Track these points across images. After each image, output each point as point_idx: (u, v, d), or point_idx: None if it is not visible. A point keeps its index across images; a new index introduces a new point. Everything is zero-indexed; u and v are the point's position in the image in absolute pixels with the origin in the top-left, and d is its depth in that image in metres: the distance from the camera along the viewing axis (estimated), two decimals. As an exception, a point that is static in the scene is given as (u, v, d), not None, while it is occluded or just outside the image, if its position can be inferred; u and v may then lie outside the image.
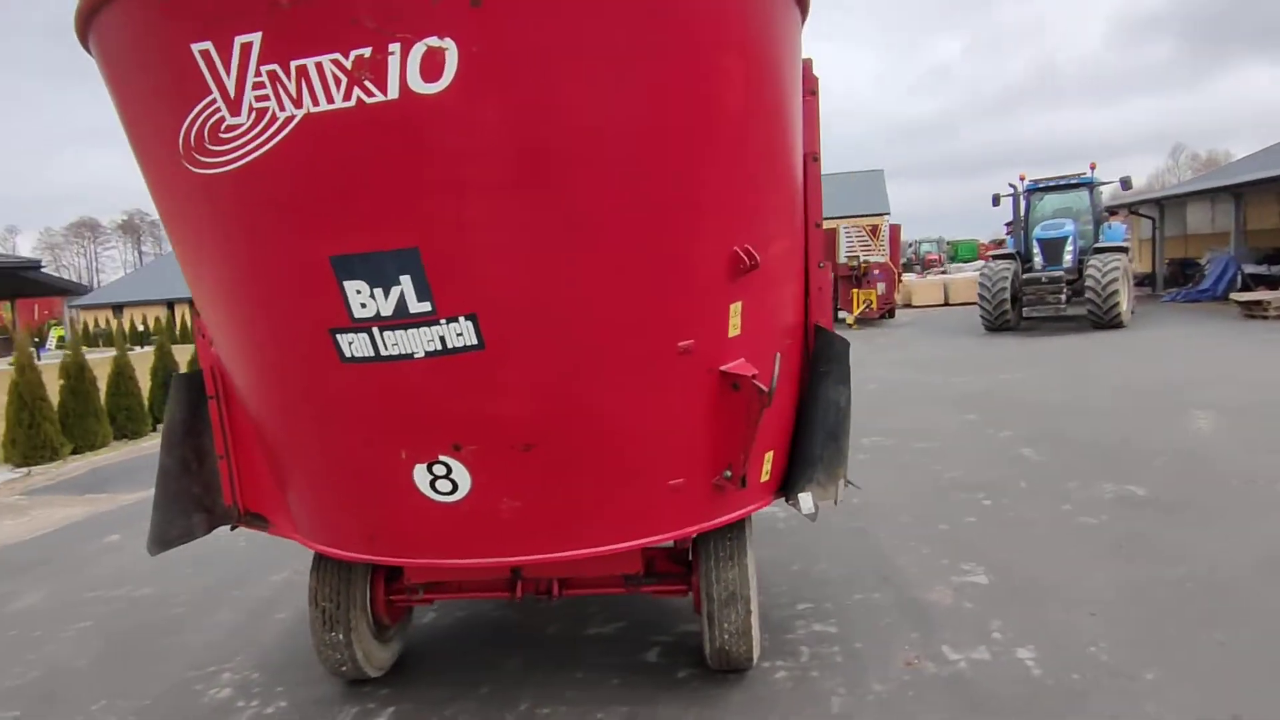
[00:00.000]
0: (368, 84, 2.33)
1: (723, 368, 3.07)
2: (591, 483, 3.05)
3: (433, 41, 2.30)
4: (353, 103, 2.35)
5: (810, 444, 3.62)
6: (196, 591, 5.42)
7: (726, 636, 3.58)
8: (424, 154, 2.44)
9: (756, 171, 3.04)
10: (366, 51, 2.31)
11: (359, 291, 2.63)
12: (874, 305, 21.82)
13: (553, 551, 3.14)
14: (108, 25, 2.66)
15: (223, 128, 2.50)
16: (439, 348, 2.69)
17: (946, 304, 28.29)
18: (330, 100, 2.36)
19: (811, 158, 3.61)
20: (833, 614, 4.40)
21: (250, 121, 2.45)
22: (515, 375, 2.80)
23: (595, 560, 3.36)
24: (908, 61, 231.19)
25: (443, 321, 2.65)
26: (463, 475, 2.94)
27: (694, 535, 3.44)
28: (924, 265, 45.99)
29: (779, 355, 3.24)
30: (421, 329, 2.67)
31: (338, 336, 2.73)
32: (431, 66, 2.32)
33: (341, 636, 3.71)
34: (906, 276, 33.46)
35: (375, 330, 2.69)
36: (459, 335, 2.67)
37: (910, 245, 50.04)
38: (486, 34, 2.34)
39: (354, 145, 2.43)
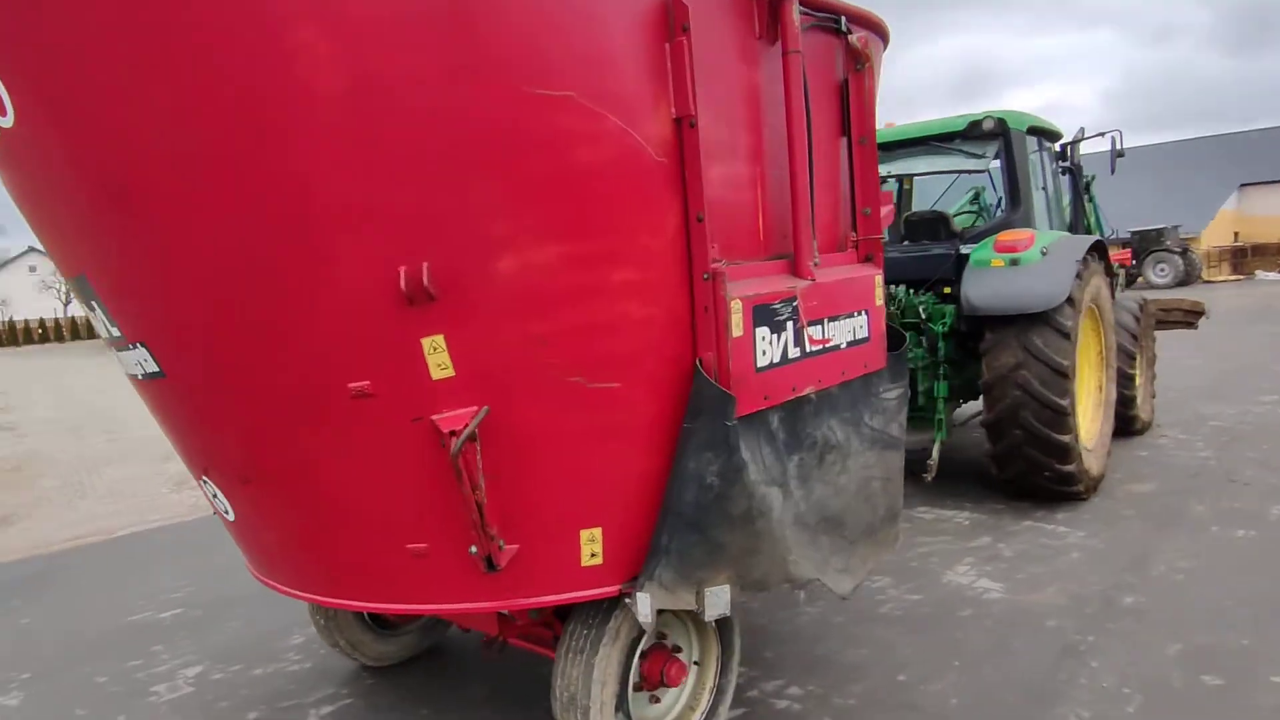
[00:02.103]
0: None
1: (434, 417, 2.41)
2: (317, 530, 2.70)
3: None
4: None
5: (657, 529, 2.60)
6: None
7: (561, 752, 2.83)
8: (35, 187, 2.44)
9: (447, 162, 2.24)
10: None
11: (94, 312, 2.75)
12: None
13: (326, 595, 2.88)
14: None
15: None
16: (142, 372, 2.68)
17: None
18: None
19: (688, 123, 2.51)
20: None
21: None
22: (201, 405, 2.62)
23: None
24: None
25: (130, 347, 2.63)
26: (223, 498, 2.89)
27: (491, 613, 2.78)
28: None
29: (485, 408, 2.38)
30: (126, 352, 2.68)
31: (117, 354, 2.90)
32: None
33: (323, 620, 3.94)
34: None
35: (115, 351, 2.79)
36: (144, 361, 2.62)
37: None
38: (32, 70, 2.20)
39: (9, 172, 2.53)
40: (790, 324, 2.83)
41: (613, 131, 2.39)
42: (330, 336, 2.34)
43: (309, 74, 2.09)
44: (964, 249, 6.28)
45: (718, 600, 2.61)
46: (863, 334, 3.23)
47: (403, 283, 2.22)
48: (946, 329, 6.23)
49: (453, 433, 2.33)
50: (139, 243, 2.34)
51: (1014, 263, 5.81)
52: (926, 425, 6.44)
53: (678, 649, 3.13)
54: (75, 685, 4.19)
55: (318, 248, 2.24)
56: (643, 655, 2.98)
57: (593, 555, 2.66)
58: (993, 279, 5.81)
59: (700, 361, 2.60)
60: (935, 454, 6.08)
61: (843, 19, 3.22)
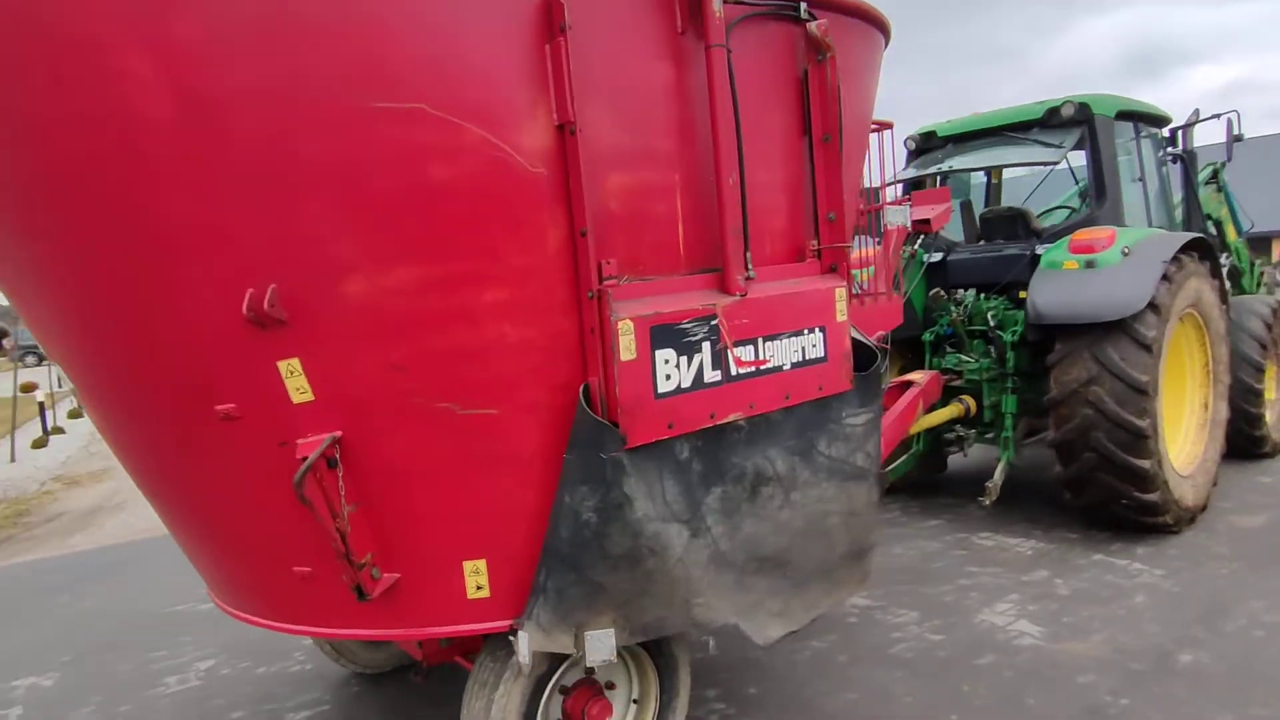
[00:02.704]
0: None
1: (300, 441, 2.34)
2: (213, 547, 2.71)
3: None
4: None
5: (538, 566, 2.43)
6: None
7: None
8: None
9: (284, 184, 2.15)
10: None
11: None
12: None
13: (234, 609, 2.89)
14: None
15: None
16: (66, 388, 2.77)
17: None
18: None
19: (569, 130, 2.32)
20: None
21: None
22: (100, 424, 2.68)
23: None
24: None
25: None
26: (156, 510, 2.95)
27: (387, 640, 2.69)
28: None
29: (331, 435, 2.27)
30: (53, 369, 2.78)
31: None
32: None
33: (311, 625, 4.00)
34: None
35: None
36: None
37: None
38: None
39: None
40: (707, 345, 2.59)
41: (475, 144, 2.23)
42: (192, 359, 2.31)
43: (137, 97, 2.05)
44: (1040, 249, 5.67)
45: (599, 645, 2.42)
46: (816, 353, 2.92)
47: (245, 307, 2.16)
48: (1017, 337, 5.65)
49: (303, 459, 2.26)
50: (13, 268, 2.40)
51: (1089, 265, 5.19)
52: (994, 443, 5.89)
53: (610, 685, 2.95)
54: (100, 671, 4.46)
55: (169, 271, 2.21)
56: (566, 691, 2.82)
57: (479, 588, 2.52)
58: (1064, 283, 5.21)
59: (586, 387, 2.40)
60: (998, 476, 5.54)
61: (802, 5, 2.92)
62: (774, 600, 2.78)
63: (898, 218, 4.87)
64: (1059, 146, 5.58)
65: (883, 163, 4.66)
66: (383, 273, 2.23)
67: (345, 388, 2.30)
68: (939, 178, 6.20)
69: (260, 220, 2.15)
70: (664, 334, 2.47)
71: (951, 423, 5.92)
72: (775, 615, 2.77)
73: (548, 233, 2.37)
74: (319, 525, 2.38)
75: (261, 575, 2.64)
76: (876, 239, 4.86)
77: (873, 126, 4.64)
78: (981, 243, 6.43)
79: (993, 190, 7.30)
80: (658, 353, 2.46)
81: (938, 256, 6.35)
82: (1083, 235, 5.34)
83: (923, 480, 6.73)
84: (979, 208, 6.94)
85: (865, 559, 3.11)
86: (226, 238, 2.17)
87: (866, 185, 4.67)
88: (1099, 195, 5.72)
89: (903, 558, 5.33)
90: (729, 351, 2.65)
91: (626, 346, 2.39)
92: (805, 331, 2.88)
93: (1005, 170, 7.16)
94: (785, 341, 2.82)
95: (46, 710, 4.06)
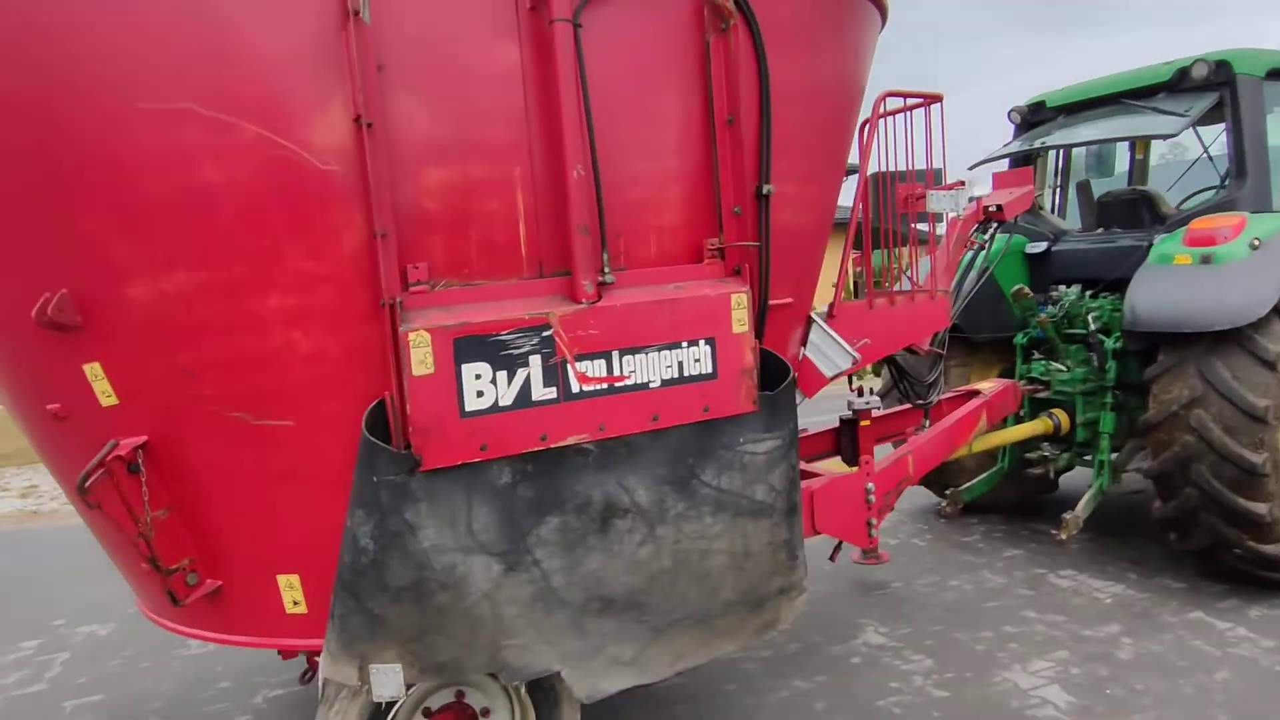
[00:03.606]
0: None
1: (120, 443, 2.35)
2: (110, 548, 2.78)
3: None
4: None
5: (333, 590, 2.28)
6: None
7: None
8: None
9: (60, 190, 2.11)
10: None
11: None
12: None
13: (141, 606, 2.98)
14: None
15: None
16: None
17: None
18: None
19: (364, 125, 2.14)
20: None
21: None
22: None
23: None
24: None
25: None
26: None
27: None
28: None
29: (112, 441, 2.22)
30: None
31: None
32: None
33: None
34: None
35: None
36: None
37: None
38: None
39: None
40: (537, 359, 2.31)
41: (251, 142, 2.11)
42: (20, 360, 2.39)
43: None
44: (1157, 239, 4.74)
45: (386, 680, 2.24)
46: (702, 369, 2.54)
47: (34, 311, 2.18)
48: (1121, 344, 4.77)
49: (101, 462, 2.26)
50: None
51: (1205, 260, 4.25)
52: (1088, 466, 5.03)
53: (485, 713, 2.77)
54: (149, 627, 4.87)
55: (-17, 276, 2.28)
56: (429, 713, 2.68)
57: (295, 603, 2.43)
58: (1172, 281, 4.31)
59: (379, 404, 2.23)
60: (1082, 506, 4.71)
61: (701, -33, 2.53)
62: (622, 647, 2.47)
63: (945, 204, 4.23)
64: (1182, 115, 4.59)
65: (929, 140, 4.09)
66: (162, 277, 2.17)
67: (144, 393, 2.28)
68: (1037, 154, 5.34)
69: (44, 227, 2.16)
70: (473, 346, 2.24)
71: (1037, 440, 5.11)
72: (622, 664, 2.46)
73: (343, 235, 2.20)
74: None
75: (126, 571, 2.71)
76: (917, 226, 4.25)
77: (919, 101, 4.08)
78: (1100, 231, 5.49)
79: (1137, 168, 6.20)
80: (465, 367, 2.23)
81: (1041, 247, 5.49)
82: (1203, 223, 4.38)
83: (1024, 502, 5.90)
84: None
85: (768, 607, 2.70)
86: (17, 244, 2.19)
87: (907, 167, 4.13)
88: (1239, 173, 4.67)
89: (953, 592, 4.68)
90: (569, 366, 2.36)
91: (421, 360, 2.18)
92: (684, 344, 2.51)
93: (1154, 144, 6.06)
94: (654, 355, 2.47)
95: (90, 656, 4.48)
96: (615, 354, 2.42)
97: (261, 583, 2.42)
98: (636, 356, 2.45)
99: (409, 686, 2.28)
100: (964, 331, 5.41)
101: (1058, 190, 5.99)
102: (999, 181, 4.91)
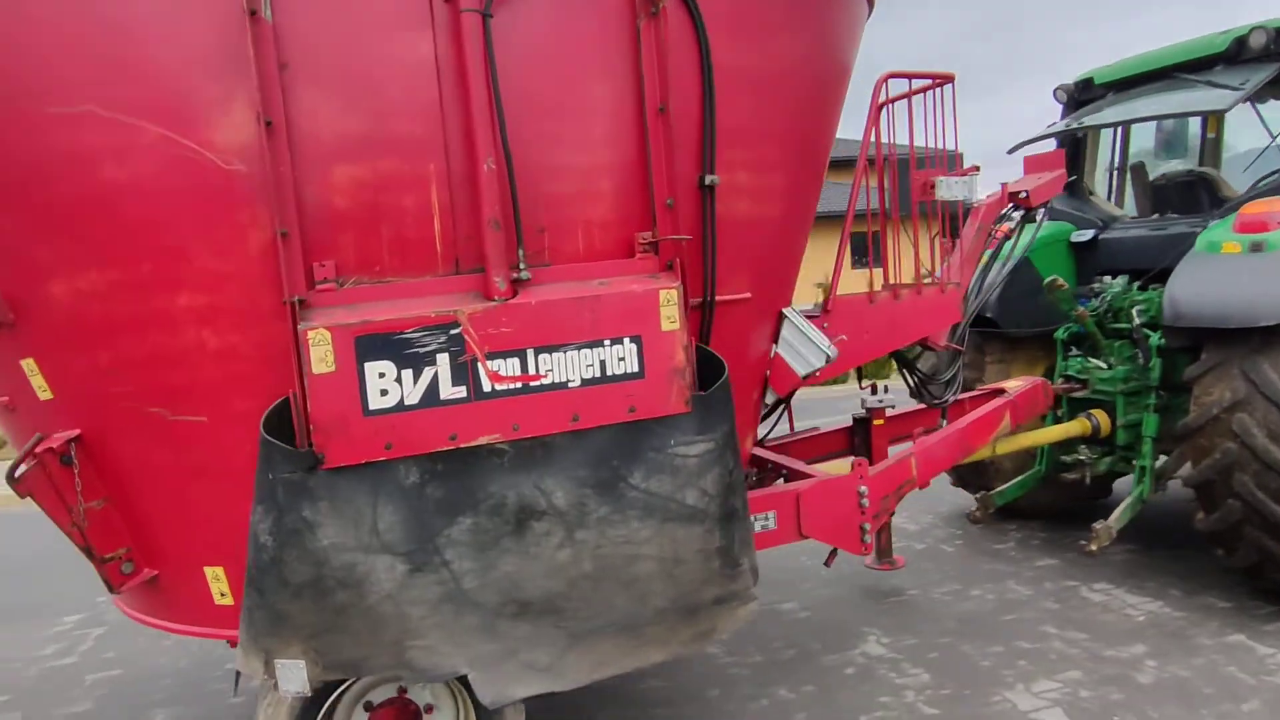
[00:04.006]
0: None
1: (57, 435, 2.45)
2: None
3: None
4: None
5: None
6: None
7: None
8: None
9: None
10: None
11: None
12: None
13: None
14: None
15: None
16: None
17: None
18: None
19: (265, 123, 2.14)
20: None
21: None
22: None
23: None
24: None
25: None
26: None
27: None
28: None
29: (38, 435, 2.29)
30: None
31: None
32: None
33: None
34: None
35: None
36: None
37: None
38: None
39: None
40: (445, 357, 2.27)
41: (153, 142, 2.14)
42: (-31, 355, 2.51)
43: None
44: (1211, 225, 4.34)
45: (290, 675, 2.25)
46: (627, 368, 2.45)
47: (-33, 306, 2.28)
48: (1166, 341, 4.39)
49: (29, 453, 2.35)
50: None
51: (1255, 248, 3.87)
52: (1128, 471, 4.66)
53: (429, 709, 2.77)
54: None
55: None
56: (371, 707, 2.70)
57: (222, 595, 2.48)
58: (1218, 271, 3.94)
59: (284, 401, 2.23)
60: (1118, 516, 4.37)
61: (629, -50, 2.43)
62: (537, 652, 2.41)
63: (957, 191, 3.97)
64: (1237, 89, 4.17)
65: (942, 122, 3.87)
66: (79, 276, 2.23)
67: (73, 388, 2.36)
68: (1077, 134, 4.96)
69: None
70: (376, 345, 2.21)
71: (1074, 442, 4.77)
72: (537, 670, 2.40)
73: (249, 234, 2.22)
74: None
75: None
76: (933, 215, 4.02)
77: (931, 82, 3.87)
78: (1155, 217, 5.07)
79: (1208, 148, 5.69)
80: (368, 365, 2.21)
81: (1088, 234, 5.11)
82: (1256, 207, 3.98)
83: (1070, 507, 5.52)
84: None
85: (702, 616, 2.58)
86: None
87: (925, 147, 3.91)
88: (1304, 152, 4.22)
89: (973, 602, 4.42)
90: (480, 365, 2.31)
91: (321, 358, 2.18)
92: (607, 343, 2.42)
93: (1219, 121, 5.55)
94: (572, 354, 2.40)
95: (121, 632, 4.73)
96: (530, 352, 2.36)
97: (191, 574, 2.48)
98: (554, 355, 2.38)
99: (315, 683, 2.29)
100: (1001, 326, 5.09)
101: (1114, 173, 5.56)
102: (1029, 166, 4.58)
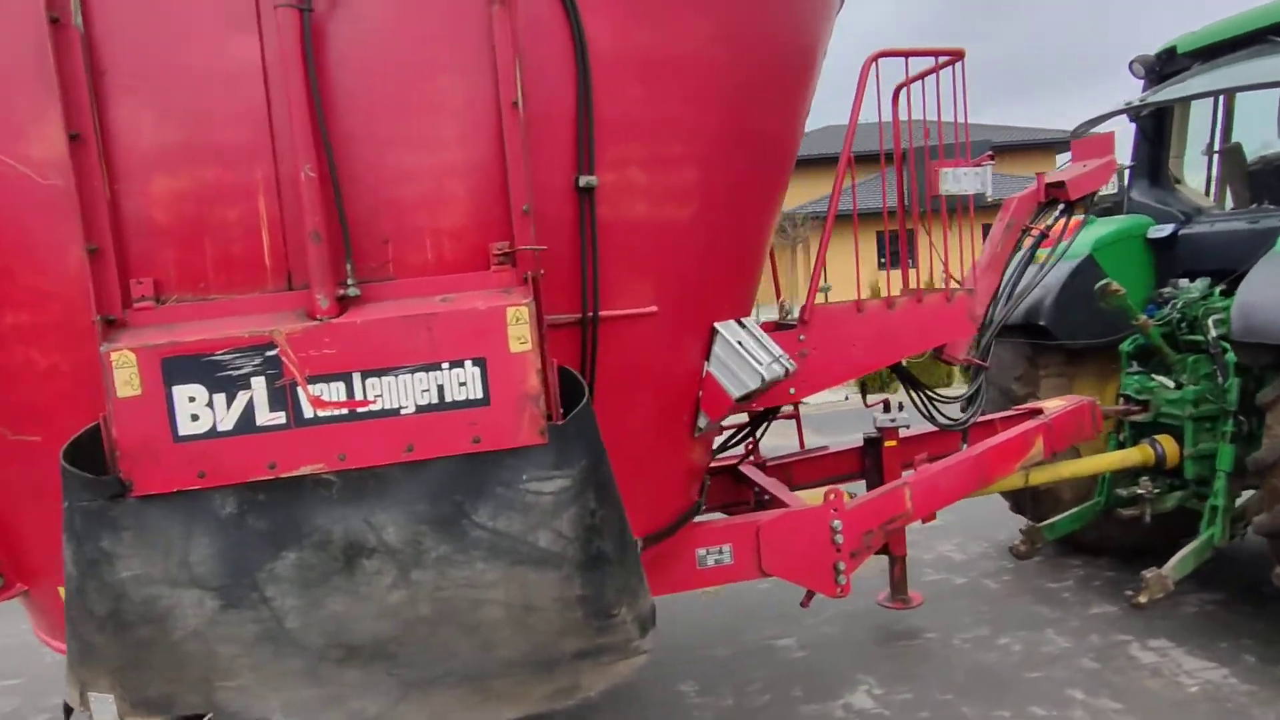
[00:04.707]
0: None
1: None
2: None
3: None
4: None
5: (73, 607, 2.25)
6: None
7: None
8: None
9: None
10: None
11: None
12: None
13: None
14: None
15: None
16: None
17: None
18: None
19: (70, 136, 2.06)
20: None
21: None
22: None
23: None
24: None
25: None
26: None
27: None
28: None
29: None
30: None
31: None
32: None
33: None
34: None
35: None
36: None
37: None
38: None
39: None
40: (260, 380, 2.12)
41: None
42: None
43: None
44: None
45: (103, 710, 2.16)
46: (469, 394, 2.20)
47: None
48: (1248, 357, 3.67)
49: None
50: None
51: (1348, 248, 3.14)
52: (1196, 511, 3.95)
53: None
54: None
55: None
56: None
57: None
58: None
59: (94, 426, 2.14)
60: (1177, 564, 3.69)
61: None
62: (366, 701, 2.21)
63: (968, 184, 3.46)
64: None
65: (956, 101, 3.42)
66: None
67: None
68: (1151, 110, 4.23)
69: None
70: (184, 367, 2.08)
71: (1135, 473, 4.08)
72: None
73: (69, 251, 2.14)
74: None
75: None
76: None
77: (943, 59, 3.43)
78: (1253, 208, 4.27)
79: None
80: (176, 389, 2.08)
81: (1166, 229, 4.38)
82: (1354, 197, 3.23)
83: (1144, 544, 4.76)
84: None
85: (561, 671, 2.30)
86: None
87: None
88: None
89: (997, 653, 3.87)
90: (300, 389, 2.14)
91: (126, 380, 2.07)
92: (446, 365, 2.19)
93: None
94: (406, 378, 2.18)
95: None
96: (356, 376, 2.16)
97: (51, 593, 2.46)
98: (384, 379, 2.17)
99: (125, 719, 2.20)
100: (1056, 336, 4.44)
101: (1211, 157, 4.74)
102: (1078, 151, 3.95)
